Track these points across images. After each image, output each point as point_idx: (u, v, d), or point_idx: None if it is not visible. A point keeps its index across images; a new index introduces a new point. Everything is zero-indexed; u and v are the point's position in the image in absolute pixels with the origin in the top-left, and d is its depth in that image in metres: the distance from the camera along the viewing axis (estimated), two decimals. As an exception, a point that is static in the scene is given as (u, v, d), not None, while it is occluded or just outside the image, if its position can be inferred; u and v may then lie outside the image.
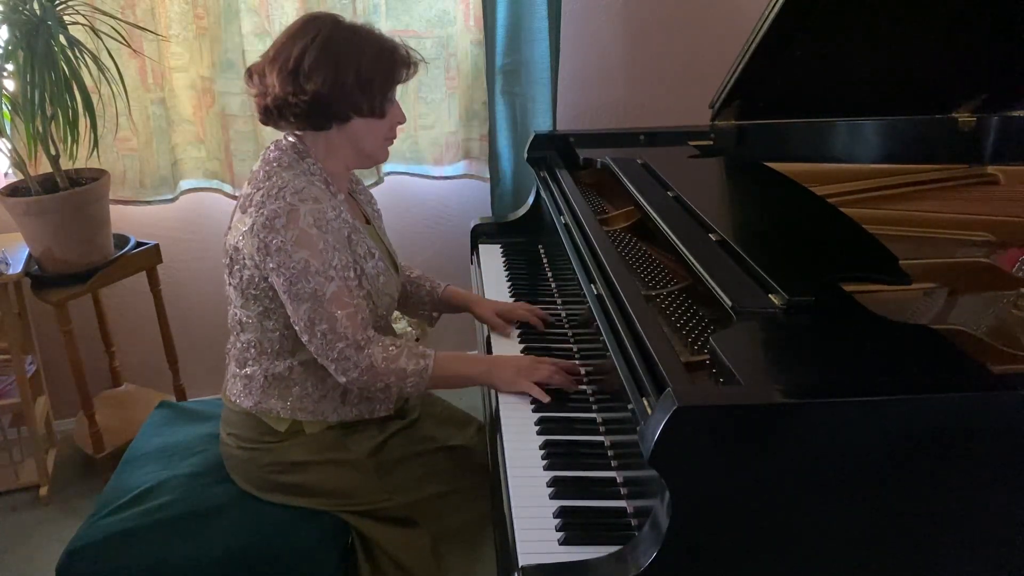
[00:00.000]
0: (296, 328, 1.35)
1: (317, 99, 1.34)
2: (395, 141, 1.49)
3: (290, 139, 1.43)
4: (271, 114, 1.39)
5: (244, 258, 1.35)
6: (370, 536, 1.43)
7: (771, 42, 1.63)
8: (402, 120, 1.46)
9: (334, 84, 1.34)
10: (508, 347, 1.54)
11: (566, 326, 1.60)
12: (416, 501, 1.46)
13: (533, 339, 1.56)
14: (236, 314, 1.43)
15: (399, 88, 1.44)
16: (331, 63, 1.33)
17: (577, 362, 1.44)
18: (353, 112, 1.38)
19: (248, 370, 1.44)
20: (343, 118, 1.38)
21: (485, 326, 1.65)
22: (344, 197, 1.45)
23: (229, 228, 1.41)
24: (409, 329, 2.41)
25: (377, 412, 1.50)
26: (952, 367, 0.93)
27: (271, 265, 1.31)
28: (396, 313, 2.20)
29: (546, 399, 1.33)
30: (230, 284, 1.41)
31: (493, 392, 1.39)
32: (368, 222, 1.54)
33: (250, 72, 1.41)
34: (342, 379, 1.36)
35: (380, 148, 1.46)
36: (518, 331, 1.60)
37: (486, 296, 1.76)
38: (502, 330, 1.60)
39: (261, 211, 1.31)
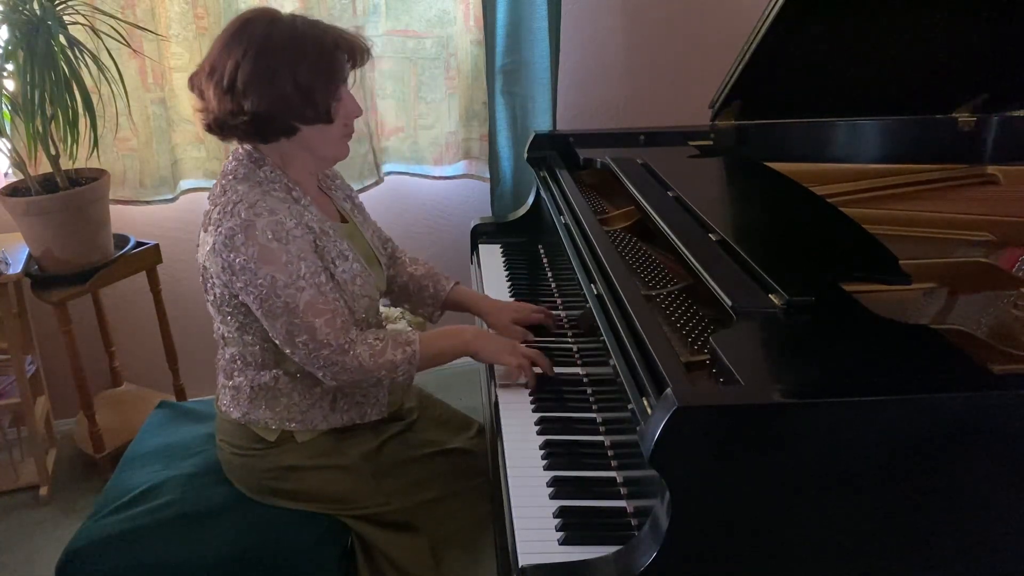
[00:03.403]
0: (277, 342, 1.33)
1: (257, 117, 1.28)
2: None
3: (246, 147, 1.38)
4: (215, 131, 1.34)
5: (212, 276, 1.33)
6: (369, 539, 1.42)
7: (771, 42, 1.63)
8: (356, 113, 1.38)
9: (272, 99, 1.27)
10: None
11: (566, 326, 1.60)
12: (415, 505, 1.45)
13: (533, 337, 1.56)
14: (218, 329, 1.42)
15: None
16: (266, 77, 1.26)
17: (577, 362, 1.44)
18: (298, 122, 1.32)
19: (235, 381, 1.43)
20: (290, 131, 1.32)
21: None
22: (312, 199, 1.40)
23: (197, 246, 1.37)
24: (409, 329, 2.41)
25: (369, 416, 1.48)
26: (952, 367, 0.93)
27: (239, 284, 1.29)
28: (396, 313, 2.20)
29: (526, 375, 1.36)
30: (207, 301, 1.39)
31: (493, 392, 1.39)
32: (344, 220, 1.50)
33: (191, 82, 1.35)
34: (332, 383, 1.35)
35: (338, 148, 1.40)
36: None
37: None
38: (515, 334, 1.51)
39: (219, 229, 1.28)
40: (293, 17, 1.32)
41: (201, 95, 1.33)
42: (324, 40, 1.31)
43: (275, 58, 1.27)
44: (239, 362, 1.42)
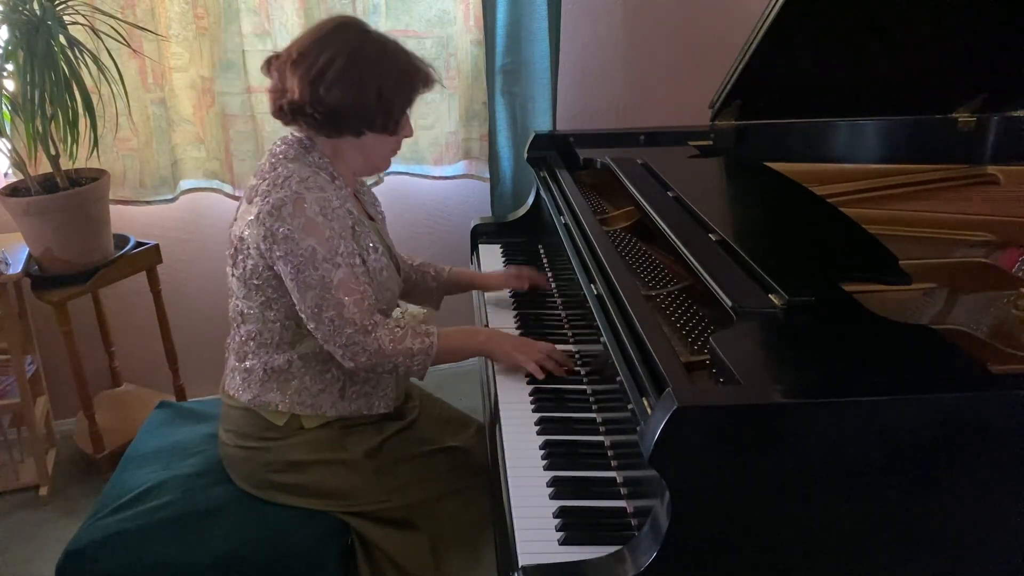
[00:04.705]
0: (303, 316, 1.36)
1: (334, 112, 1.35)
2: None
3: (297, 135, 1.44)
4: (284, 114, 1.40)
5: (249, 247, 1.36)
6: (369, 537, 1.43)
7: (771, 42, 1.63)
8: (410, 134, 1.48)
9: (354, 101, 1.35)
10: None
11: (566, 326, 1.60)
12: (415, 503, 1.46)
13: (533, 336, 1.55)
14: (238, 305, 1.44)
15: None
16: (354, 80, 1.34)
17: (577, 362, 1.44)
18: (367, 128, 1.40)
19: (247, 363, 1.44)
20: (356, 132, 1.40)
21: (484, 311, 1.70)
22: (349, 192, 1.46)
23: (235, 219, 1.42)
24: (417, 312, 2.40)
25: (376, 408, 1.50)
26: (952, 367, 0.93)
27: (278, 253, 1.32)
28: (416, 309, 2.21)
29: (541, 375, 1.38)
30: (233, 275, 1.42)
31: (493, 392, 1.39)
32: (372, 220, 1.55)
33: (269, 63, 1.41)
34: (350, 364, 1.37)
35: (385, 160, 1.49)
36: (514, 313, 1.68)
37: (486, 297, 1.76)
38: (516, 284, 1.72)
39: (267, 199, 1.33)
40: (382, 35, 1.41)
41: (280, 79, 1.38)
42: (409, 64, 1.41)
43: (366, 65, 1.36)
44: (253, 342, 1.43)
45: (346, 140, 1.41)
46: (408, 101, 1.42)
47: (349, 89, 1.34)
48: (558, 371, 1.40)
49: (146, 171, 2.36)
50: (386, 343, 1.35)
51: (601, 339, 1.21)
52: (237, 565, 1.36)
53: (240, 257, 1.39)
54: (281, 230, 1.31)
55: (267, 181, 1.35)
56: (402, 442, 1.52)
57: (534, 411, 1.32)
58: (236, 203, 2.40)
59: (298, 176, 1.34)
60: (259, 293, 1.39)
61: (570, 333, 1.57)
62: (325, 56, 1.34)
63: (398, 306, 1.74)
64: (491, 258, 1.98)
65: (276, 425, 1.44)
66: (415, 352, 1.37)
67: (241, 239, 1.38)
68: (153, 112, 2.31)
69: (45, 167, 2.15)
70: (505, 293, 1.76)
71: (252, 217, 1.34)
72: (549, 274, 1.82)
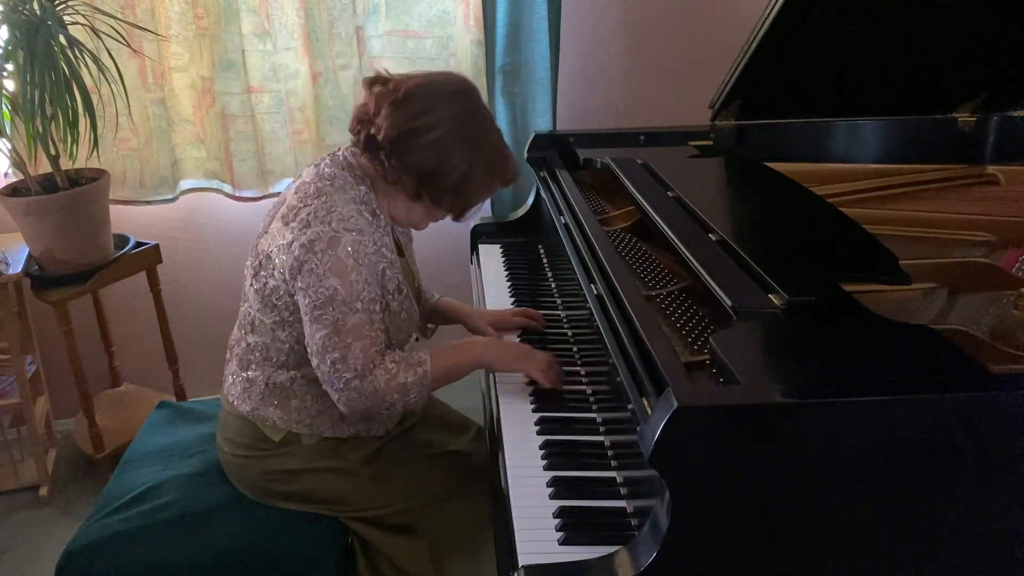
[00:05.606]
0: (308, 349, 1.33)
1: (407, 168, 1.32)
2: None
3: (348, 158, 1.40)
4: (360, 137, 1.35)
5: (274, 269, 1.33)
6: (369, 540, 1.43)
7: (771, 42, 1.63)
8: (464, 220, 1.45)
9: (434, 172, 1.32)
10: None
11: (566, 327, 1.60)
12: (415, 507, 1.45)
13: (533, 339, 1.56)
14: (250, 314, 1.41)
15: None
16: (445, 155, 1.31)
17: (577, 362, 1.44)
18: (431, 200, 1.36)
19: (250, 373, 1.43)
20: (416, 197, 1.36)
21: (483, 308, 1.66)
22: (387, 229, 1.42)
23: (264, 232, 1.38)
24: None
25: (374, 432, 1.48)
26: (952, 367, 0.93)
27: (300, 285, 1.29)
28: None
29: (547, 383, 1.35)
30: (252, 285, 1.39)
31: (493, 392, 1.39)
32: (401, 253, 1.51)
33: (372, 83, 1.36)
34: (345, 409, 1.33)
35: (425, 224, 1.46)
36: (517, 332, 1.61)
37: (486, 297, 1.76)
38: (503, 328, 1.59)
39: (304, 231, 1.29)
40: (491, 119, 1.39)
41: (375, 106, 1.33)
42: (502, 159, 1.38)
43: (463, 147, 1.32)
44: (258, 354, 1.42)
45: (401, 191, 1.37)
46: (485, 197, 1.40)
47: (435, 160, 1.31)
48: (558, 383, 1.36)
49: (146, 171, 2.36)
50: (381, 384, 1.31)
51: (601, 339, 1.21)
52: (237, 565, 1.36)
53: (263, 273, 1.36)
54: (309, 264, 1.28)
55: (309, 209, 1.30)
56: (402, 447, 1.52)
57: (534, 411, 1.32)
58: (236, 203, 2.43)
59: (340, 214, 1.29)
60: (275, 312, 1.37)
61: (570, 333, 1.57)
62: (429, 117, 1.30)
63: None
64: (491, 258, 1.98)
65: (272, 440, 1.43)
66: (409, 385, 1.32)
67: (268, 257, 1.34)
68: (153, 112, 2.31)
69: (45, 167, 2.15)
70: (504, 294, 1.76)
71: (284, 242, 1.30)
72: (552, 285, 1.82)
